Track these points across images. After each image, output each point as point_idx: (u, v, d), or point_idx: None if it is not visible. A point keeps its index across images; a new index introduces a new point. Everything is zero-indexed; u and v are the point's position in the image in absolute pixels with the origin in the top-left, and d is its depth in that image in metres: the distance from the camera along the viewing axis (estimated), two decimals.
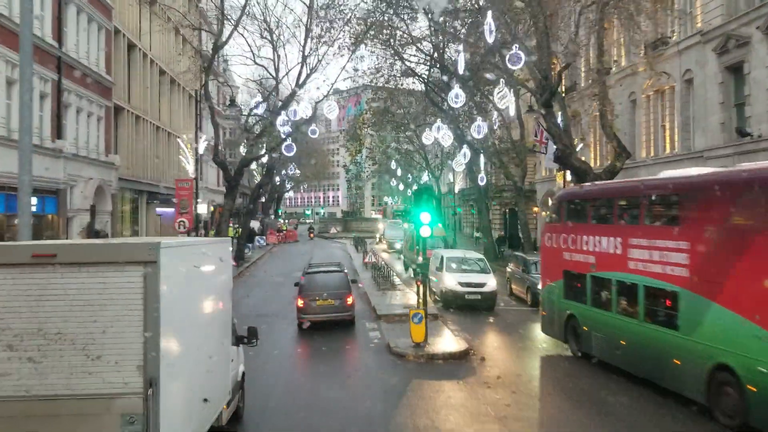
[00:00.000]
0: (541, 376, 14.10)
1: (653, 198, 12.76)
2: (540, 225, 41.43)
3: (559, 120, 23.76)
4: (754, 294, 9.54)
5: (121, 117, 31.12)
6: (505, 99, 23.48)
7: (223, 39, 29.89)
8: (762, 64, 19.78)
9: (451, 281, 21.78)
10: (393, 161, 56.78)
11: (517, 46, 21.19)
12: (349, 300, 18.51)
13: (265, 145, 33.52)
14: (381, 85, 37.17)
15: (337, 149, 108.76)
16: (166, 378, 6.14)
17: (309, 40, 31.25)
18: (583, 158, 24.66)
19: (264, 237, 52.94)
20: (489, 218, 40.71)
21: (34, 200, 21.43)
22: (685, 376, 11.00)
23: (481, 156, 37.58)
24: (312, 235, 68.63)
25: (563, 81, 25.75)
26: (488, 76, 26.38)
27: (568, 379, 13.45)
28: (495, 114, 33.86)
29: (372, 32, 31.31)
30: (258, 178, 52.89)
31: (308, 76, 32.20)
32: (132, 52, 32.49)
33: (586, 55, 29.31)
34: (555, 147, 23.85)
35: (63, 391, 6.04)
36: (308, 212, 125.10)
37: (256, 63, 33.23)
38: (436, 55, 34.10)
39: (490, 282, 21.64)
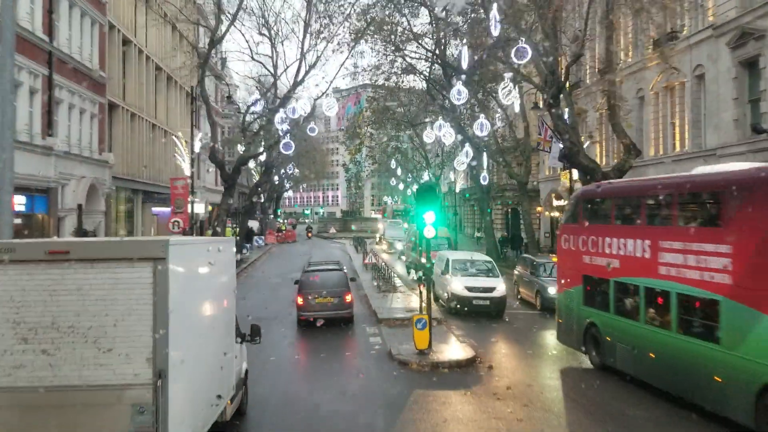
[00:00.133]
0: (555, 387, 13.07)
1: (689, 196, 11.72)
2: (543, 225, 40.91)
3: (565, 117, 23.09)
4: None
5: (115, 114, 30.34)
6: (510, 95, 22.77)
7: (220, 34, 29.16)
8: None
9: (457, 285, 20.58)
10: (393, 160, 56.04)
11: (523, 39, 20.53)
12: (348, 298, 18.69)
13: (263, 142, 32.83)
14: (381, 82, 36.41)
15: (337, 148, 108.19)
16: (175, 370, 6.39)
17: (308, 36, 30.59)
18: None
19: (262, 237, 52.18)
20: (491, 218, 39.99)
21: (23, 199, 20.87)
22: (728, 396, 9.86)
23: (484, 154, 36.83)
24: (310, 234, 68.07)
25: (570, 77, 24.99)
26: (493, 68, 25.56)
27: (588, 392, 12.39)
28: (498, 112, 33.13)
29: (372, 28, 30.63)
30: (257, 178, 52.18)
31: (307, 72, 31.61)
32: (127, 48, 31.71)
33: (591, 51, 28.63)
34: (561, 145, 23.18)
35: (76, 382, 6.27)
36: (307, 212, 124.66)
37: (253, 59, 32.55)
38: (437, 51, 33.40)
39: (500, 286, 20.49)
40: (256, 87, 39.04)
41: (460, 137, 33.45)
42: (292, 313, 21.10)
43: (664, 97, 26.60)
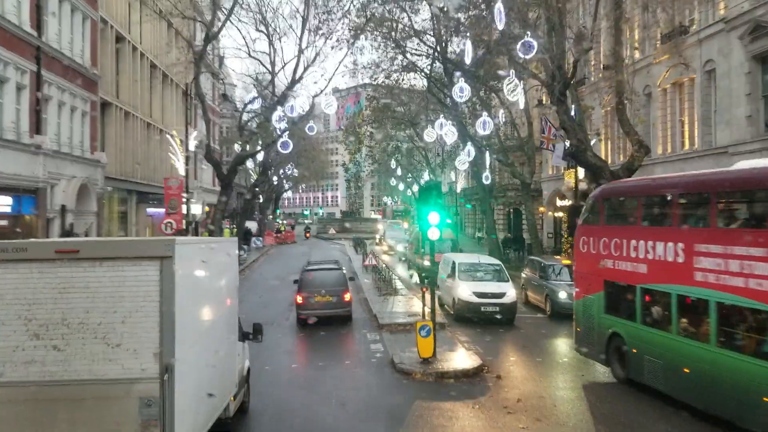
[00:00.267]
0: (570, 400, 12.09)
1: (731, 193, 10.64)
2: (546, 226, 40.19)
3: (572, 114, 22.37)
4: None
5: (108, 112, 29.55)
6: (515, 92, 22.00)
7: (215, 29, 28.41)
8: None
9: (464, 291, 19.38)
10: (393, 160, 55.31)
11: (529, 33, 19.82)
12: (347, 296, 18.98)
13: (261, 141, 32.12)
14: (381, 81, 35.66)
15: (336, 149, 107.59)
16: (180, 365, 6.60)
17: (306, 32, 29.89)
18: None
19: (261, 238, 51.34)
20: (494, 218, 39.26)
21: (9, 200, 20.10)
22: None
23: (487, 153, 36.09)
24: (308, 234, 67.42)
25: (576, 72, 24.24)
26: (500, 59, 24.78)
27: (609, 408, 11.36)
28: (501, 110, 32.40)
29: (372, 25, 29.93)
30: (255, 178, 51.45)
31: (305, 70, 30.95)
32: (120, 45, 30.92)
33: (596, 47, 27.92)
34: (567, 143, 22.48)
35: (86, 376, 6.48)
36: (307, 212, 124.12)
37: (250, 56, 31.81)
38: (438, 48, 32.65)
39: (510, 292, 19.30)
40: (254, 85, 38.28)
41: (462, 134, 32.64)
42: (289, 317, 20.40)
43: (672, 93, 25.95)
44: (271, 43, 31.47)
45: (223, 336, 8.96)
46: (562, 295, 19.55)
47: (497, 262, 22.12)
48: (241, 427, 10.35)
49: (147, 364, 6.51)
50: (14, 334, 6.49)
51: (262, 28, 31.66)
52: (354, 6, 29.98)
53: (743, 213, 10.34)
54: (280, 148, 31.61)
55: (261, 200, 62.12)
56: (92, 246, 7.25)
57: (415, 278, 26.25)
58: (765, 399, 9.00)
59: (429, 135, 33.80)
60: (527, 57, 20.15)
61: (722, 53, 22.08)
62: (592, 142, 25.18)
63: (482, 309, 18.88)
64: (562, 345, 16.16)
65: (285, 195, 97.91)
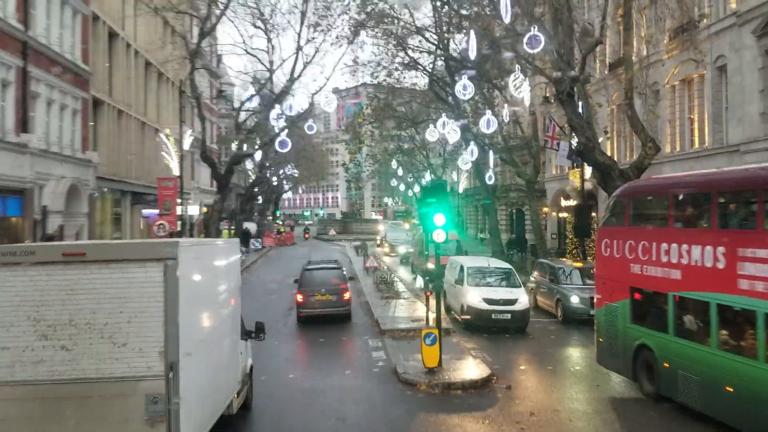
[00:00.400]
0: (587, 414, 11.10)
1: None
2: (550, 226, 39.46)
3: (579, 111, 21.64)
4: None
5: (101, 111, 28.72)
6: (520, 88, 21.26)
7: (210, 24, 27.64)
8: None
9: (474, 297, 18.13)
10: (394, 160, 54.55)
11: (536, 27, 19.08)
12: (346, 295, 19.33)
13: (258, 140, 31.37)
14: (382, 79, 34.88)
15: (336, 149, 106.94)
16: (185, 363, 6.84)
17: (305, 28, 29.18)
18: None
19: (260, 240, 50.52)
20: (497, 219, 38.53)
21: None
22: None
23: (490, 153, 35.35)
24: (307, 235, 66.71)
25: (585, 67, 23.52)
26: (508, 50, 23.98)
27: (634, 426, 10.43)
28: (505, 108, 31.67)
29: (372, 22, 29.22)
30: (253, 178, 50.68)
31: (304, 67, 30.21)
32: (114, 41, 30.10)
33: (602, 45, 27.20)
34: (575, 141, 21.78)
35: (93, 375, 6.71)
36: (307, 213, 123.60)
37: (248, 53, 31.06)
38: (440, 45, 31.92)
39: (522, 298, 18.18)
40: (251, 83, 37.54)
41: (464, 132, 31.88)
42: (287, 323, 19.67)
43: (681, 90, 25.29)
44: (269, 40, 30.74)
45: (226, 334, 9.27)
46: (575, 300, 18.67)
47: (508, 266, 20.90)
48: (253, 411, 10.91)
49: (153, 363, 6.74)
50: (23, 335, 6.72)
51: (260, 24, 30.87)
52: (354, 1, 29.25)
53: None
54: (278, 148, 30.83)
55: (260, 201, 61.39)
56: (98, 249, 7.45)
57: (419, 282, 25.36)
58: None
59: (431, 134, 33.07)
60: (534, 51, 19.45)
61: (734, 48, 21.38)
62: (599, 140, 24.46)
63: (493, 317, 17.72)
64: (574, 353, 15.35)
65: (285, 196, 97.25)
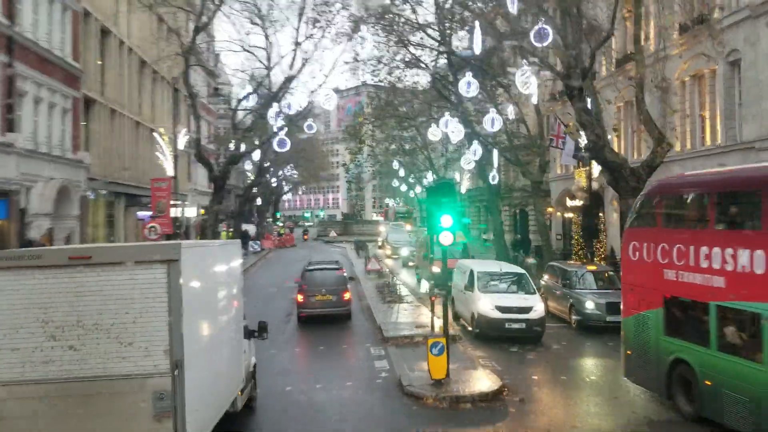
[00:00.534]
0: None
1: None
2: (555, 227, 38.66)
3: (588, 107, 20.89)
4: None
5: (93, 110, 27.90)
6: (528, 84, 20.49)
7: (205, 19, 26.83)
8: None
9: (486, 305, 16.85)
10: (395, 160, 53.72)
11: (543, 20, 18.34)
12: (346, 296, 19.53)
13: (257, 139, 30.60)
14: (383, 77, 34.08)
15: (337, 150, 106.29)
16: (190, 361, 7.08)
17: (303, 24, 28.45)
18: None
19: (259, 242, 49.68)
20: (501, 220, 37.73)
21: None
22: None
23: (494, 152, 34.55)
24: (306, 237, 65.95)
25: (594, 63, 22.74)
26: (508, 54, 23.30)
27: None
28: (510, 105, 30.91)
29: (373, 18, 28.48)
30: (252, 179, 49.89)
31: (303, 64, 29.42)
32: (106, 38, 29.28)
33: (610, 42, 26.44)
34: (582, 139, 21.02)
35: (101, 373, 6.91)
36: (307, 215, 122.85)
37: (245, 50, 30.28)
38: (443, 41, 31.12)
39: (537, 305, 16.88)
40: (249, 81, 36.72)
41: (468, 131, 31.09)
42: (286, 330, 18.85)
43: (691, 86, 24.47)
44: (267, 37, 29.99)
45: (230, 333, 9.56)
46: (590, 306, 17.77)
47: (521, 270, 19.62)
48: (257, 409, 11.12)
49: (158, 361, 6.93)
50: (33, 336, 6.90)
51: (257, 20, 30.07)
52: None
53: None
54: (276, 147, 30.04)
55: (259, 202, 60.57)
56: (103, 251, 7.59)
57: (424, 286, 24.41)
58: None
59: (434, 134, 32.28)
60: (542, 45, 18.68)
61: (749, 42, 20.58)
62: (608, 138, 23.72)
63: (506, 325, 16.45)
64: (589, 361, 14.51)
65: (285, 197, 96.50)
